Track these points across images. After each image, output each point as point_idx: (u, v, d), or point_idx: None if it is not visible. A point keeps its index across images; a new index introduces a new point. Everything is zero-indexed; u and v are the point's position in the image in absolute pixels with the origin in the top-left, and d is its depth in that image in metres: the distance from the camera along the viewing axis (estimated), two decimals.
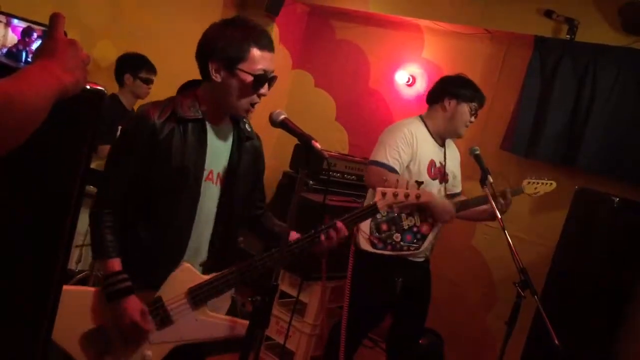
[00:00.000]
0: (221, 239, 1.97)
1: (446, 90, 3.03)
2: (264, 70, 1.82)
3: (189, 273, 1.90)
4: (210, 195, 1.92)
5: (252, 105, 1.87)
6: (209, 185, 1.91)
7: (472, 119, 3.03)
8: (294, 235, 2.05)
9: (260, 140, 2.11)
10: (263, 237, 2.26)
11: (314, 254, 2.06)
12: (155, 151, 1.81)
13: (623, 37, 3.67)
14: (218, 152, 1.92)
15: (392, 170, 2.85)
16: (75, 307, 1.81)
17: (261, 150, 2.12)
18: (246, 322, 1.84)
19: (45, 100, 0.85)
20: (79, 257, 3.77)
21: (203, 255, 1.96)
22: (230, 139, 1.97)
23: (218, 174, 1.93)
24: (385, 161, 2.87)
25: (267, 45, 1.83)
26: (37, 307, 0.98)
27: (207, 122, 1.89)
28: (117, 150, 1.90)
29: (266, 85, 1.84)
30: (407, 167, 2.93)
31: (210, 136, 1.90)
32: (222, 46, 1.80)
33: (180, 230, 1.88)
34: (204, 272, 1.93)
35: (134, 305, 1.81)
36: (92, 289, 1.88)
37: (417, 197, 2.09)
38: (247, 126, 2.02)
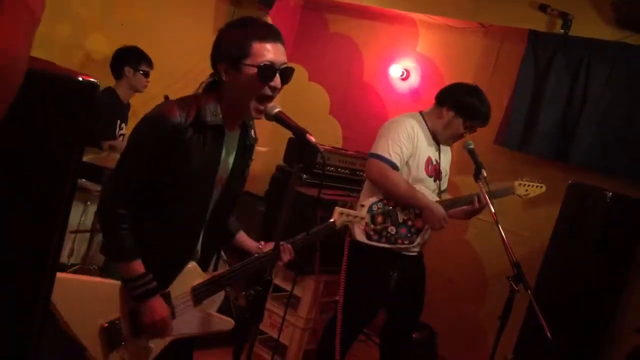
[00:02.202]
0: (213, 237, 2.03)
1: (450, 99, 2.99)
2: (271, 62, 1.78)
3: (194, 271, 1.96)
4: (214, 199, 1.96)
5: (263, 99, 1.83)
6: (216, 190, 1.95)
7: (466, 134, 3.01)
8: (241, 235, 2.17)
9: (255, 141, 2.12)
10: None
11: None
12: (175, 152, 1.80)
13: (617, 32, 3.68)
14: (226, 158, 1.95)
15: (394, 165, 2.85)
16: (95, 299, 1.84)
17: (254, 149, 2.13)
18: (230, 320, 2.04)
19: (31, 46, 0.78)
20: (71, 251, 3.75)
21: (198, 253, 2.01)
22: (236, 145, 1.99)
23: (222, 178, 1.96)
24: (387, 156, 2.86)
25: (269, 36, 1.79)
26: (29, 301, 0.97)
27: (225, 129, 1.89)
28: (137, 147, 1.84)
29: (277, 77, 1.81)
30: (407, 162, 2.93)
31: (225, 144, 1.92)
32: (225, 47, 1.81)
33: (190, 233, 1.93)
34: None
35: (162, 304, 1.86)
36: (108, 280, 1.88)
37: (362, 218, 2.43)
38: (252, 132, 2.04)
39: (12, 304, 0.96)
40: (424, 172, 2.97)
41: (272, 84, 1.80)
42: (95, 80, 0.95)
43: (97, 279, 1.92)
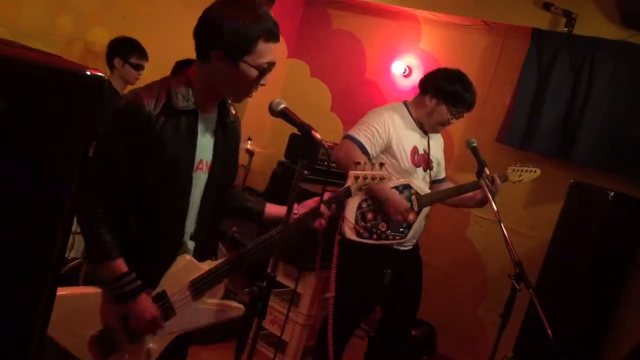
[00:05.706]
0: (207, 224, 1.94)
1: (432, 86, 2.94)
2: (268, 63, 1.75)
3: (189, 264, 1.88)
4: (198, 184, 1.87)
5: (250, 94, 1.83)
6: (198, 175, 1.86)
7: (452, 120, 2.96)
8: (270, 207, 2.05)
9: (239, 119, 2.03)
10: (232, 214, 2.14)
11: (311, 232, 1.99)
12: (148, 142, 1.72)
13: (620, 31, 3.67)
14: (206, 140, 1.87)
15: (361, 147, 2.82)
16: (82, 311, 1.78)
17: (240, 129, 2.04)
18: (240, 306, 1.92)
19: None
20: (72, 245, 3.74)
21: (192, 242, 1.92)
22: (215, 125, 1.90)
23: (207, 162, 1.88)
24: (357, 136, 2.85)
25: (274, 36, 1.74)
26: (33, 297, 0.97)
27: (199, 113, 1.82)
28: (109, 142, 1.73)
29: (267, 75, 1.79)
30: (391, 152, 2.90)
31: (201, 126, 1.83)
32: (228, 32, 1.69)
33: (174, 224, 1.84)
34: (195, 259, 1.91)
35: (148, 303, 1.79)
36: (93, 289, 1.82)
37: (382, 178, 2.03)
38: (232, 109, 1.95)
39: (15, 302, 0.95)
40: (411, 163, 2.93)
41: (261, 82, 1.79)
42: (103, 75, 0.94)
43: (79, 291, 1.82)
